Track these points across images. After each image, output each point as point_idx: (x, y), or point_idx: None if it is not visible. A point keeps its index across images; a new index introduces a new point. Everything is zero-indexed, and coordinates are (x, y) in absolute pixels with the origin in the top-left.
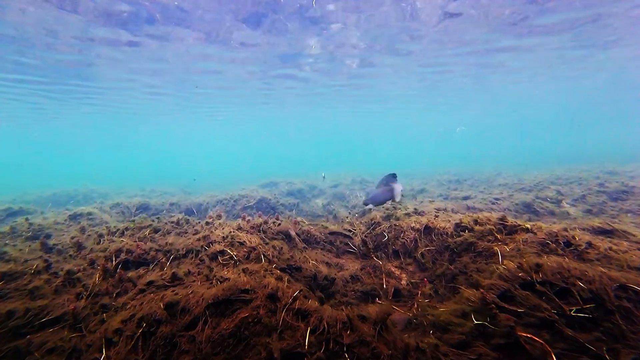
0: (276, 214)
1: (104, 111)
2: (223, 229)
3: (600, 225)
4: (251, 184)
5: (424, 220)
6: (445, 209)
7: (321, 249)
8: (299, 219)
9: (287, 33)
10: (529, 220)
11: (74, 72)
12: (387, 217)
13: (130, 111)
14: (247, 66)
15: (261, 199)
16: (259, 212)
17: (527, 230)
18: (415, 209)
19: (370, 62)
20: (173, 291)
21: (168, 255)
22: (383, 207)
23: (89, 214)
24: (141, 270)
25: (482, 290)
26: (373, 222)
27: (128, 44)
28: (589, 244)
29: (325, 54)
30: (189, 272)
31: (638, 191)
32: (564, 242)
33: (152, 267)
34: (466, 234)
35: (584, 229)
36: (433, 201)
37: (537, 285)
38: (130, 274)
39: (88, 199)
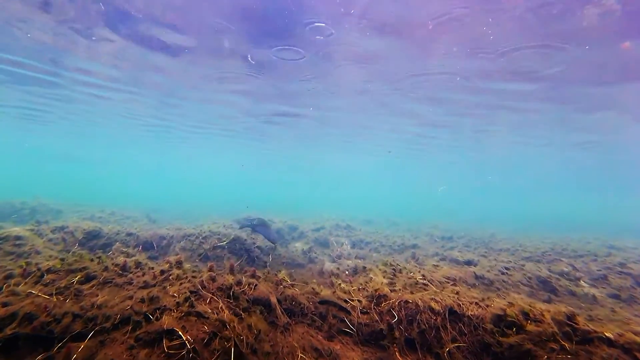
0: (253, 267)
1: (76, 122)
2: (181, 284)
3: None
4: (227, 217)
5: (446, 299)
6: (455, 280)
7: (308, 325)
8: (280, 275)
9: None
10: (549, 300)
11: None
12: (391, 284)
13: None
14: (238, 98)
15: (235, 239)
16: (231, 255)
17: (609, 342)
18: (423, 276)
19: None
20: None
21: (90, 326)
22: (380, 271)
23: (17, 237)
24: None
25: None
26: (377, 293)
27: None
28: None
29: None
30: None
31: None
32: None
33: (56, 351)
34: (515, 335)
35: None
36: (438, 265)
37: None
38: None
39: (36, 215)
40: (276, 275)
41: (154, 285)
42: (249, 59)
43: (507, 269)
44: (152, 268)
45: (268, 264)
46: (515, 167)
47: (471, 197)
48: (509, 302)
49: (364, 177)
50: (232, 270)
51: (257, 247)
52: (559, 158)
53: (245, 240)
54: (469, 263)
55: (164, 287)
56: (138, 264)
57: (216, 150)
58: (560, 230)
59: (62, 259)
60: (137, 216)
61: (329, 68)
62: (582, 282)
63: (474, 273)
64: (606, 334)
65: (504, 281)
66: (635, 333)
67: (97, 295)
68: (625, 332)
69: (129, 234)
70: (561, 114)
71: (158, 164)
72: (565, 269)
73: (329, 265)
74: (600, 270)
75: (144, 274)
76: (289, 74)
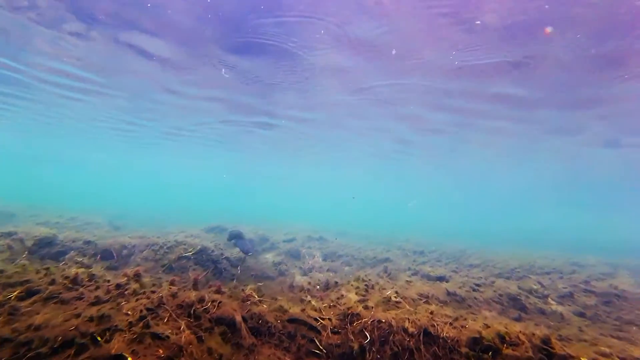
0: (219, 280)
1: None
2: (137, 300)
3: None
4: (196, 226)
5: (420, 319)
6: (428, 297)
7: (275, 345)
8: (247, 290)
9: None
10: (519, 318)
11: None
12: (363, 301)
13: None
14: (213, 99)
15: (202, 250)
16: (197, 267)
17: None
18: (397, 293)
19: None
20: None
21: (23, 351)
22: (352, 287)
23: None
24: None
25: None
26: (349, 312)
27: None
28: None
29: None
30: None
31: (631, 297)
32: None
33: None
34: None
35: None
36: (411, 281)
37: None
38: None
39: None
40: (243, 290)
41: (107, 301)
42: (223, 73)
43: (478, 285)
44: (108, 281)
45: (236, 276)
46: (486, 182)
47: (443, 210)
48: (484, 324)
49: (339, 188)
50: (195, 285)
51: (225, 258)
52: (529, 175)
53: (213, 251)
54: (440, 279)
55: (118, 304)
56: (92, 277)
57: (191, 156)
58: (527, 246)
59: (1, 271)
60: (99, 222)
61: (306, 73)
62: (550, 300)
63: (447, 290)
64: (582, 359)
65: (475, 298)
66: (606, 355)
67: (38, 314)
68: (598, 355)
69: (87, 242)
70: (531, 133)
71: (127, 167)
72: (534, 287)
73: (299, 279)
74: (566, 288)
75: (97, 288)
76: (265, 77)
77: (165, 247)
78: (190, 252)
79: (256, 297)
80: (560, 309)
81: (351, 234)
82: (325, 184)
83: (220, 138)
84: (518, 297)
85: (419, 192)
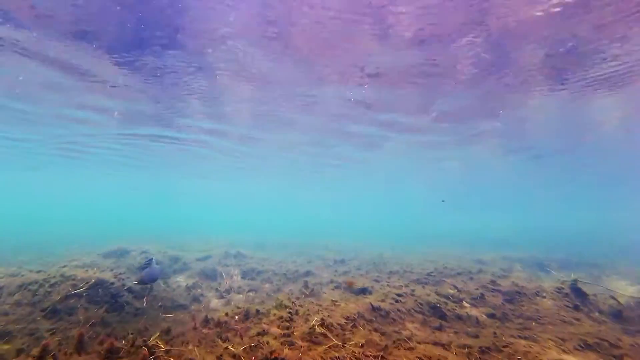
0: (118, 318)
1: None
2: None
3: None
4: (93, 251)
5: (351, 358)
6: (355, 318)
7: None
8: (152, 339)
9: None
10: (440, 327)
11: None
12: (288, 335)
13: None
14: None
15: (98, 283)
16: (90, 305)
17: None
18: (322, 320)
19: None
20: None
21: None
22: (275, 317)
23: None
24: None
25: None
26: (273, 356)
27: None
28: None
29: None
30: None
31: (529, 292)
32: None
33: None
34: None
35: None
36: (336, 301)
37: None
38: None
39: None
40: (145, 342)
41: None
42: (115, 114)
43: (399, 296)
44: None
45: (142, 310)
46: (396, 186)
47: (360, 213)
48: (418, 358)
49: (254, 198)
50: (80, 345)
51: (127, 289)
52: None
53: (112, 282)
54: (363, 291)
55: None
56: None
57: (85, 172)
58: (436, 245)
59: None
60: None
61: (211, 79)
62: (465, 304)
63: (371, 305)
64: None
65: (398, 310)
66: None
67: None
68: None
69: None
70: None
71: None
72: (450, 291)
73: (216, 304)
74: (477, 289)
75: None
76: (166, 83)
77: (47, 285)
78: (82, 287)
79: (162, 347)
80: (474, 312)
81: (269, 245)
82: (240, 195)
83: (120, 152)
84: (437, 304)
85: (336, 196)
